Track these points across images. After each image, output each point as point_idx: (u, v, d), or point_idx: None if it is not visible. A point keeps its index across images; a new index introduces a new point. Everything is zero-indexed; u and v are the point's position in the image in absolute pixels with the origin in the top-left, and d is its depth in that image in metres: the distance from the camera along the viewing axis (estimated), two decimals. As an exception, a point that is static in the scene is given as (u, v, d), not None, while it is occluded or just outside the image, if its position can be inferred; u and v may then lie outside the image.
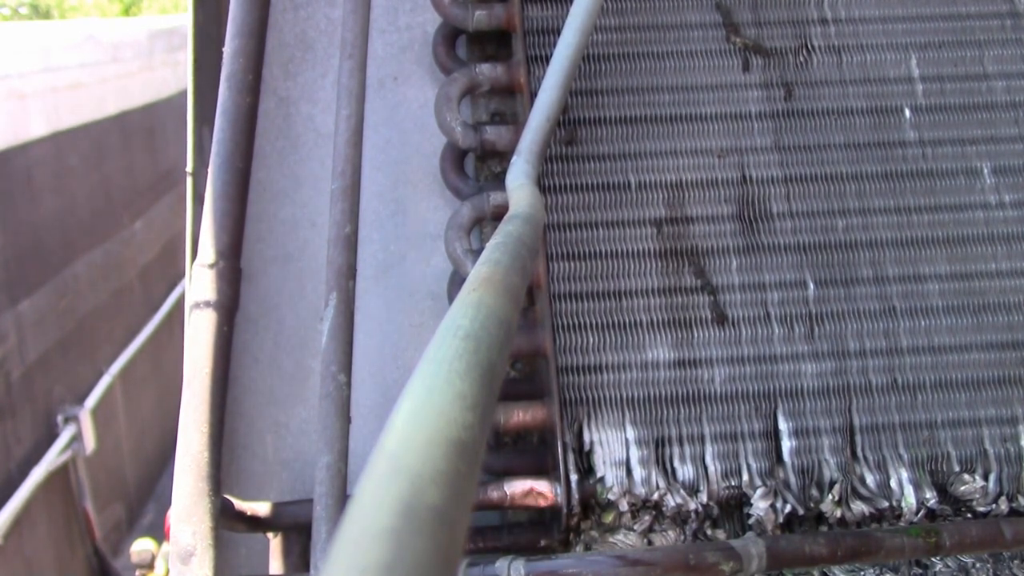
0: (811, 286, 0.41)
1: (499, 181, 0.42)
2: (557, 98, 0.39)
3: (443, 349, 0.20)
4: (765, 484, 0.38)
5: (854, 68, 0.44)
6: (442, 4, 0.45)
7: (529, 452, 0.41)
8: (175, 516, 0.41)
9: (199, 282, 0.46)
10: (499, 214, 0.37)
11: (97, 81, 3.58)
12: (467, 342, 0.21)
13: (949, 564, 0.40)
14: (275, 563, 0.46)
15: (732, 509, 0.39)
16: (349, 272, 0.43)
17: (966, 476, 0.39)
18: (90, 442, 3.15)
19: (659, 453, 0.38)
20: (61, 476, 3.06)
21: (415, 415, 0.18)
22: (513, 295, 0.25)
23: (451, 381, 0.19)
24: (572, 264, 0.41)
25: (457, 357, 0.20)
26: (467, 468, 0.17)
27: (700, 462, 0.38)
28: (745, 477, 0.38)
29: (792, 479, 0.38)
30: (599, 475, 0.38)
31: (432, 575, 0.14)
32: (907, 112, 0.44)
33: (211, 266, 0.45)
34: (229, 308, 0.45)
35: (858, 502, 0.39)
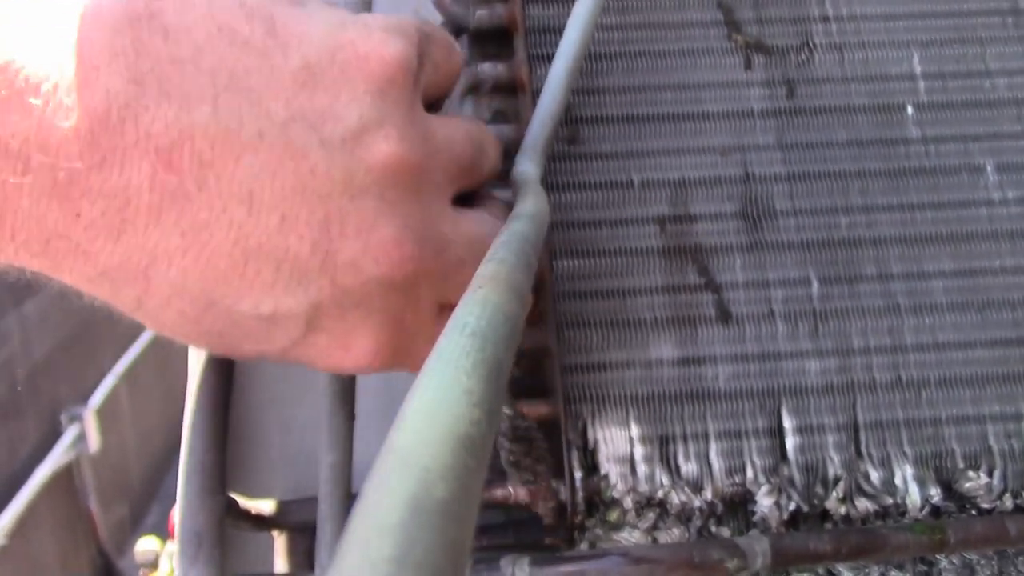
0: (815, 283, 0.41)
1: (502, 179, 0.42)
2: (561, 97, 0.39)
3: (450, 346, 0.21)
4: (769, 481, 0.38)
5: (856, 65, 0.44)
6: (443, 3, 0.45)
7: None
8: (179, 515, 0.41)
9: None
10: (503, 214, 0.37)
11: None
12: (473, 339, 0.21)
13: (954, 561, 0.40)
14: (280, 561, 0.46)
15: (736, 506, 0.39)
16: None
17: (971, 473, 0.39)
18: (94, 441, 3.16)
19: (663, 450, 0.38)
20: (65, 475, 3.06)
21: (423, 411, 0.18)
22: (519, 292, 0.25)
23: (458, 378, 0.19)
24: (575, 262, 0.41)
25: (464, 354, 0.20)
26: (475, 463, 0.17)
27: (704, 459, 0.38)
28: (749, 474, 0.38)
29: (796, 476, 0.38)
30: (603, 472, 0.38)
31: (441, 569, 0.14)
32: (910, 109, 0.44)
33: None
34: (233, 307, 0.45)
35: (863, 499, 0.39)
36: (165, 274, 0.27)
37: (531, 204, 0.33)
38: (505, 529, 0.43)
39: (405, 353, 0.33)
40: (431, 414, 0.18)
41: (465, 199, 0.36)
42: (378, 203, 0.29)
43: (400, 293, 0.31)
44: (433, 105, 0.35)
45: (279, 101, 0.27)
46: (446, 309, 0.34)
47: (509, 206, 0.35)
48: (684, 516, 0.39)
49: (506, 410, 0.38)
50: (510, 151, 0.41)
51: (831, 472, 0.39)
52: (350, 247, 0.29)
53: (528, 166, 0.37)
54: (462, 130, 0.34)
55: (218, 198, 0.26)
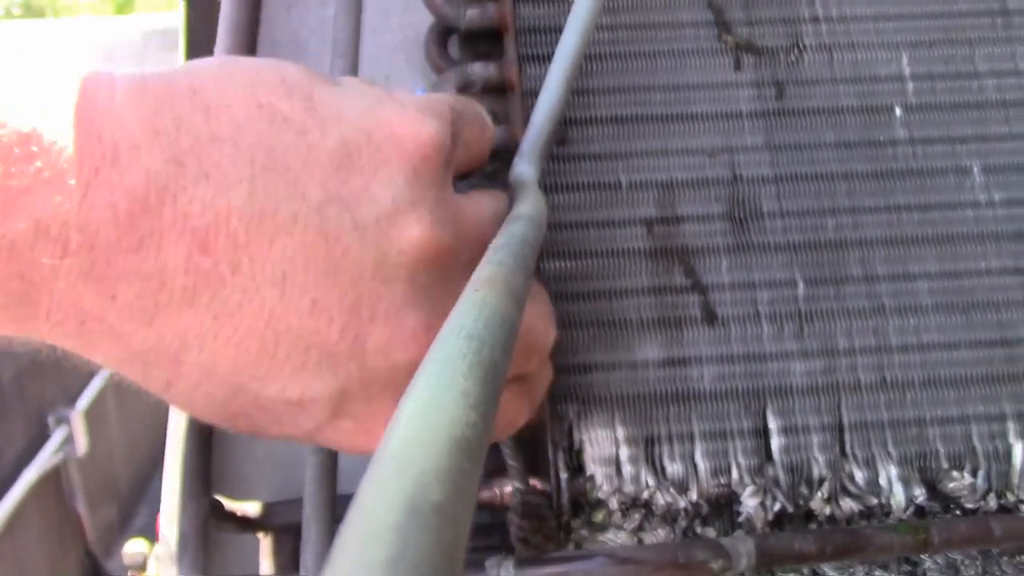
0: (801, 285, 0.41)
1: (492, 180, 0.42)
2: (559, 98, 0.39)
3: (446, 348, 0.20)
4: (754, 482, 0.38)
5: (845, 67, 0.44)
6: (434, 3, 0.45)
7: (519, 451, 0.41)
8: (164, 517, 0.41)
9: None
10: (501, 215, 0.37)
11: (90, 81, 3.56)
12: (470, 341, 0.21)
13: (938, 561, 0.40)
14: (265, 563, 0.46)
15: (722, 507, 0.39)
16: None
17: (955, 473, 0.39)
18: (82, 444, 3.14)
19: (649, 451, 0.38)
20: (53, 478, 3.05)
21: (419, 413, 0.18)
22: (516, 294, 0.25)
23: (454, 380, 0.19)
24: (562, 263, 0.41)
25: (460, 356, 0.20)
26: (470, 466, 0.17)
27: (690, 460, 0.38)
28: (735, 475, 0.38)
29: (781, 477, 0.38)
30: (589, 473, 0.38)
31: (436, 572, 0.14)
32: (898, 110, 0.44)
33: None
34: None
35: (847, 499, 0.39)
36: (196, 358, 0.27)
37: (530, 206, 0.33)
38: (491, 530, 0.43)
39: None
40: (427, 416, 0.18)
41: None
42: (408, 287, 0.29)
43: None
44: (463, 176, 0.36)
45: (315, 181, 0.27)
46: None
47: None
48: (669, 517, 0.39)
49: (517, 485, 0.38)
50: (501, 151, 0.41)
51: (816, 472, 0.39)
52: (379, 332, 0.29)
53: (526, 168, 0.37)
54: (491, 209, 0.34)
55: (251, 281, 0.26)
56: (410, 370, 0.29)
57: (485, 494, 0.39)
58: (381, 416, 0.30)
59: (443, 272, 0.30)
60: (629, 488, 0.38)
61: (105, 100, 0.25)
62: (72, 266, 0.24)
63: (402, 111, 0.30)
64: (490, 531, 0.43)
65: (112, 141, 0.25)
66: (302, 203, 0.27)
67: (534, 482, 0.38)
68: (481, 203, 0.34)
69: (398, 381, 0.30)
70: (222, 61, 0.29)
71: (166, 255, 0.25)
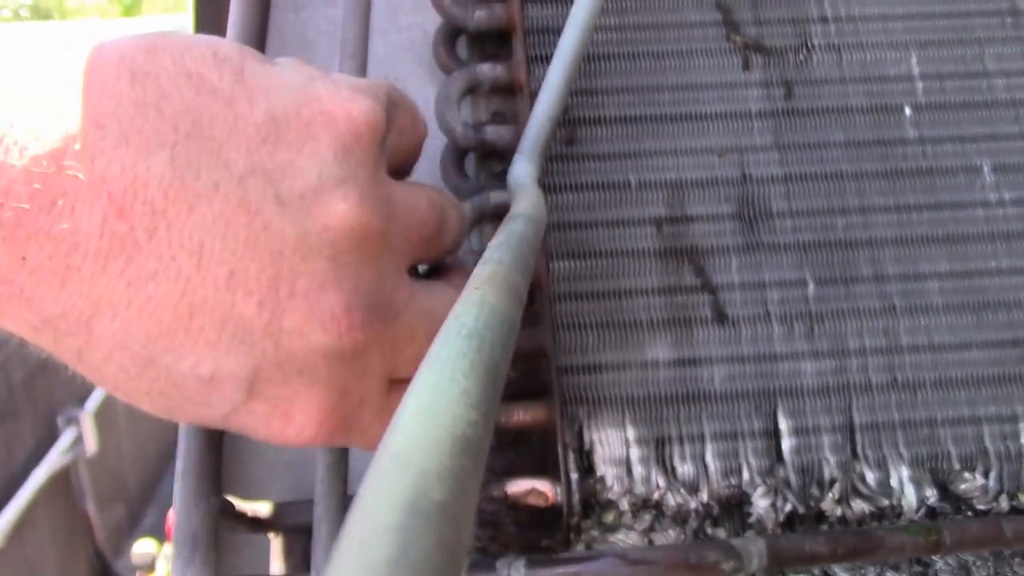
0: (811, 285, 0.41)
1: (500, 181, 0.42)
2: (559, 97, 0.39)
3: (447, 347, 0.20)
4: (765, 483, 0.38)
5: (854, 66, 0.44)
6: (442, 4, 0.45)
7: (529, 451, 0.41)
8: (175, 517, 0.41)
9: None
10: (500, 214, 0.37)
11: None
12: (470, 340, 0.21)
13: (950, 562, 0.40)
14: (276, 563, 0.46)
15: (732, 508, 0.39)
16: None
17: (966, 474, 0.39)
18: (91, 444, 3.15)
19: (659, 452, 0.38)
20: (62, 478, 3.06)
21: (420, 413, 0.18)
22: (516, 293, 0.25)
23: (455, 379, 0.19)
24: (572, 263, 0.41)
25: (461, 355, 0.20)
26: (472, 465, 0.17)
27: (700, 461, 0.38)
28: (745, 476, 0.38)
29: (792, 478, 0.38)
30: (599, 474, 0.38)
31: (438, 571, 0.14)
32: (907, 110, 0.44)
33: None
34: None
35: (858, 500, 0.38)
36: (108, 326, 0.26)
37: (529, 205, 0.33)
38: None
39: (351, 427, 0.31)
40: (428, 415, 0.18)
41: (432, 270, 0.35)
42: (330, 265, 0.28)
43: (347, 363, 0.29)
44: (397, 173, 0.34)
45: (239, 152, 0.26)
46: (397, 383, 0.32)
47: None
48: (680, 518, 0.39)
49: None
50: (508, 151, 0.41)
51: (827, 473, 0.39)
52: (297, 310, 0.28)
53: (526, 167, 0.37)
54: (425, 198, 0.33)
55: (167, 248, 0.25)
56: (327, 352, 0.28)
57: (495, 494, 0.39)
58: (297, 401, 0.29)
59: (369, 254, 0.29)
60: (640, 489, 0.38)
61: (27, 62, 0.25)
62: None
63: (335, 89, 0.29)
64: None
65: (32, 99, 0.24)
66: (224, 172, 0.26)
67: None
68: (416, 192, 0.33)
69: (315, 364, 0.29)
70: (155, 34, 0.28)
71: (80, 217, 0.24)
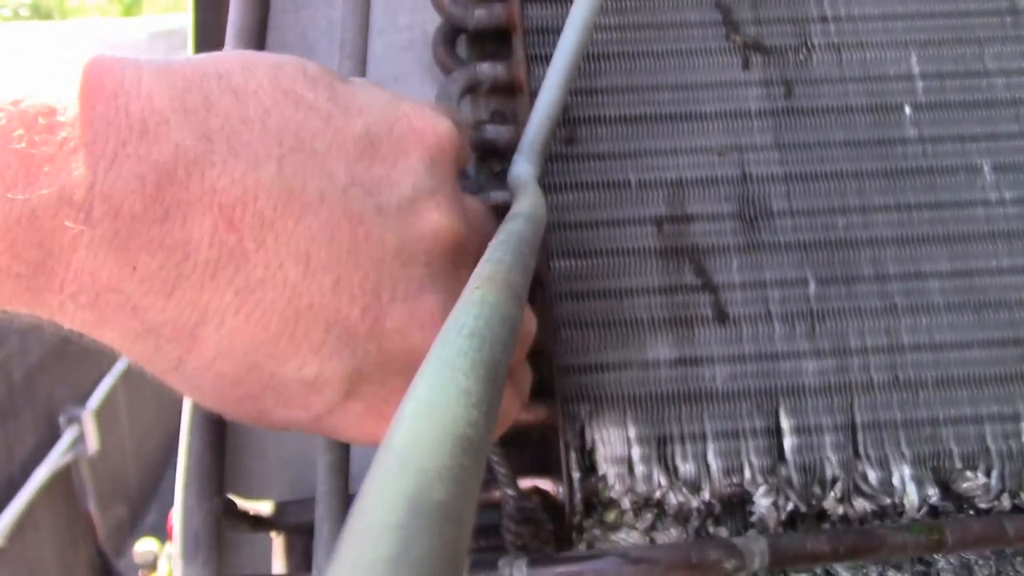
0: (812, 284, 0.41)
1: (499, 180, 0.42)
2: (558, 97, 0.39)
3: (447, 347, 0.20)
4: (767, 482, 0.38)
5: (854, 66, 0.44)
6: (442, 3, 0.45)
7: (531, 451, 0.41)
8: (177, 516, 0.41)
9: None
10: (500, 212, 0.37)
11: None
12: (471, 340, 0.21)
13: (952, 561, 0.40)
14: (278, 562, 0.46)
15: (734, 507, 0.39)
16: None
17: (968, 473, 0.39)
18: (93, 443, 3.16)
19: (661, 451, 0.38)
20: (64, 477, 3.06)
21: (420, 412, 0.18)
22: (516, 293, 0.25)
23: (455, 378, 0.19)
24: (573, 263, 0.41)
25: (461, 355, 0.20)
26: (472, 464, 0.17)
27: (702, 460, 0.38)
28: (747, 475, 0.38)
29: (794, 476, 0.38)
30: (601, 473, 0.38)
31: (439, 570, 0.14)
32: (907, 109, 0.44)
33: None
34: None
35: (860, 499, 0.39)
36: (214, 333, 0.26)
37: (528, 204, 0.33)
38: (500, 531, 0.43)
39: None
40: (429, 415, 0.18)
41: None
42: (426, 271, 0.30)
43: None
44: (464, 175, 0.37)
45: (340, 165, 0.28)
46: None
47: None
48: (682, 516, 0.39)
49: (510, 492, 0.38)
50: (508, 151, 0.41)
51: (829, 472, 0.39)
52: (398, 313, 0.29)
53: (525, 166, 0.37)
54: (484, 209, 0.36)
55: (275, 257, 0.26)
56: (425, 353, 0.30)
57: (497, 494, 0.39)
58: (392, 399, 0.30)
59: (456, 259, 0.31)
60: (641, 488, 0.38)
61: (132, 78, 0.25)
62: (94, 234, 0.24)
63: (419, 108, 0.31)
64: (501, 531, 0.43)
65: (140, 116, 0.25)
66: (328, 183, 0.27)
67: (526, 485, 0.38)
68: (479, 203, 0.36)
69: (413, 363, 0.29)
70: (244, 52, 0.29)
71: (191, 228, 0.25)
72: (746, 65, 0.44)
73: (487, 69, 0.44)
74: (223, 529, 0.40)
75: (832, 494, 0.39)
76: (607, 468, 0.38)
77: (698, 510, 0.39)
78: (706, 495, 0.38)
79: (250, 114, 0.26)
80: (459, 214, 0.31)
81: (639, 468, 0.38)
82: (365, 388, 0.30)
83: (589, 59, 0.43)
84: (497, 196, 0.40)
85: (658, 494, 0.38)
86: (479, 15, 0.44)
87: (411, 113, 0.31)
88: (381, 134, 0.29)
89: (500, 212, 0.38)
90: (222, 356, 0.27)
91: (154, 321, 0.26)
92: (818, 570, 0.40)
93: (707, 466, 0.38)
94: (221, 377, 0.28)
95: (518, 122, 0.43)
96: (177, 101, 0.26)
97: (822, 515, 0.39)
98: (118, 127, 0.24)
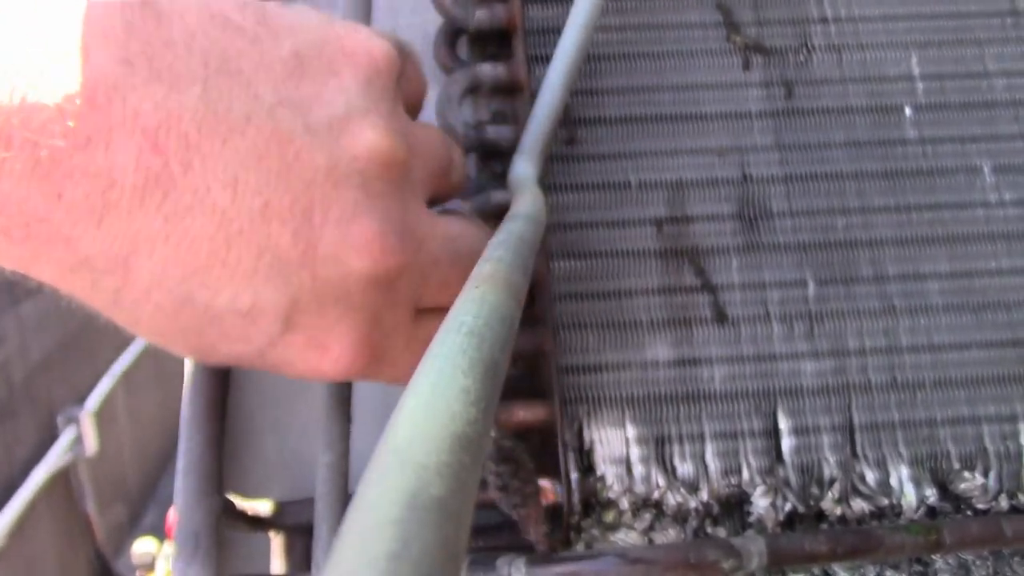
0: (811, 285, 0.41)
1: (501, 180, 0.42)
2: (559, 97, 0.39)
3: (446, 345, 0.21)
4: (765, 482, 0.38)
5: (854, 67, 0.44)
6: (443, 4, 0.45)
7: (529, 451, 0.41)
8: (176, 516, 0.41)
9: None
10: (500, 213, 0.37)
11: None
12: (470, 338, 0.21)
13: (949, 561, 0.40)
14: (277, 562, 0.46)
15: (732, 507, 0.39)
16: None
17: (966, 473, 0.39)
18: (91, 443, 3.15)
19: (659, 451, 0.38)
20: (62, 478, 3.06)
21: (420, 409, 0.18)
22: (516, 292, 0.25)
23: (455, 376, 0.19)
24: (572, 263, 0.41)
25: (460, 353, 0.20)
26: (471, 461, 0.17)
27: (700, 460, 0.38)
28: (745, 475, 0.38)
29: (792, 477, 0.38)
30: (599, 473, 0.38)
31: (437, 566, 0.14)
32: (907, 110, 0.44)
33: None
34: (230, 308, 0.45)
35: (858, 500, 0.39)
36: (146, 262, 0.26)
37: (528, 204, 0.33)
38: (501, 530, 0.43)
39: (382, 358, 0.32)
40: (428, 411, 0.18)
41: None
42: (361, 193, 0.29)
43: (380, 289, 0.30)
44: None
45: (268, 86, 0.27)
46: (423, 313, 0.33)
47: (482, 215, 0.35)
48: (680, 517, 0.39)
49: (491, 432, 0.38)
50: (509, 151, 0.41)
51: (827, 473, 0.39)
52: (331, 237, 0.28)
53: (526, 167, 0.37)
54: (437, 135, 0.34)
55: (202, 181, 0.26)
56: (362, 278, 0.29)
57: (495, 494, 0.39)
58: (334, 330, 0.29)
59: (396, 183, 0.30)
60: (640, 488, 0.38)
61: (49, 5, 0.25)
62: (16, 163, 0.23)
63: (353, 29, 0.30)
64: (500, 530, 0.43)
65: (59, 42, 0.24)
66: (255, 104, 0.26)
67: (513, 413, 0.38)
68: (429, 128, 0.34)
69: (351, 291, 0.29)
70: None
71: (115, 153, 0.24)
72: (746, 66, 0.44)
73: (488, 70, 0.44)
74: (222, 529, 0.40)
75: (830, 495, 0.39)
76: (605, 468, 0.38)
77: (696, 510, 0.39)
78: (704, 495, 0.38)
79: (174, 37, 0.26)
80: (397, 135, 0.30)
81: (637, 468, 0.38)
82: (303, 319, 0.29)
83: (589, 59, 0.43)
84: (498, 196, 0.40)
85: (656, 494, 0.38)
86: (480, 16, 0.45)
87: (344, 34, 0.30)
88: (311, 55, 0.29)
89: (500, 212, 0.38)
90: (157, 286, 0.27)
91: (86, 252, 0.26)
92: (816, 570, 0.40)
93: (705, 466, 0.39)
94: (159, 309, 0.27)
95: (519, 123, 0.43)
96: (96, 26, 0.25)
97: (820, 516, 0.39)
98: (34, 54, 0.24)
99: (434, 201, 0.36)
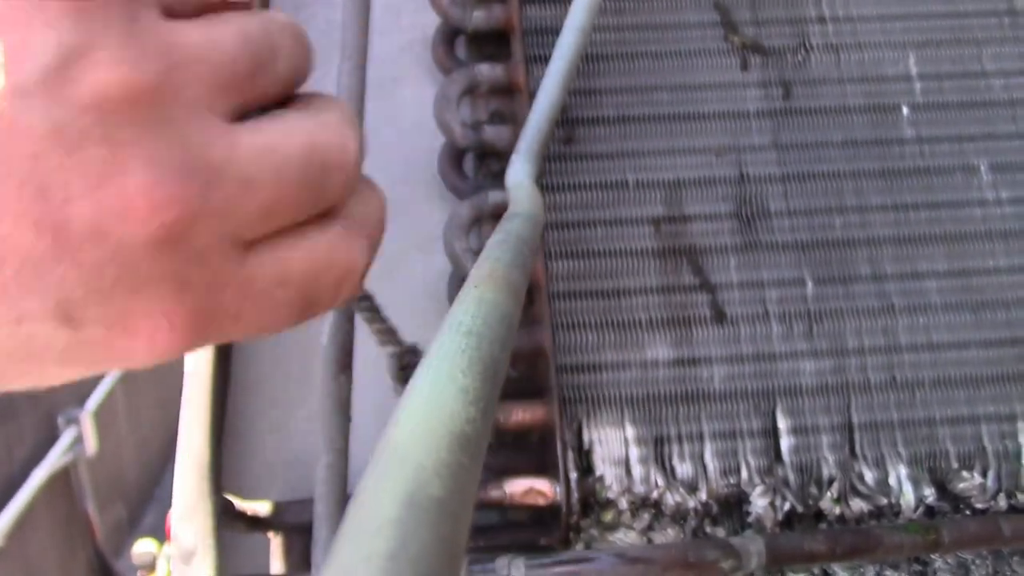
0: (809, 284, 0.41)
1: (498, 180, 0.42)
2: (556, 97, 0.39)
3: (446, 345, 0.21)
4: (764, 482, 0.38)
5: (852, 66, 0.44)
6: (441, 4, 0.45)
7: (528, 451, 0.41)
8: (176, 516, 0.41)
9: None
10: (498, 213, 0.37)
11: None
12: (469, 338, 0.21)
13: (948, 561, 0.40)
14: (276, 563, 0.46)
15: (731, 507, 0.39)
16: (349, 272, 0.43)
17: (965, 473, 0.39)
18: (91, 444, 3.15)
19: (658, 451, 0.38)
20: (62, 478, 3.06)
21: (419, 409, 0.18)
22: (514, 291, 0.25)
23: (454, 376, 0.19)
24: (570, 263, 0.41)
25: (460, 352, 0.20)
26: (470, 461, 0.17)
27: (699, 460, 0.38)
28: (744, 475, 0.38)
29: (791, 477, 0.38)
30: (598, 473, 0.38)
31: (435, 565, 0.14)
32: (905, 110, 0.44)
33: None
34: (229, 308, 0.45)
35: (857, 499, 0.39)
36: None
37: (527, 204, 0.33)
38: (501, 530, 0.43)
39: (213, 316, 0.25)
40: (427, 411, 0.18)
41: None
42: (107, 149, 0.23)
43: (170, 249, 0.24)
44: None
45: None
46: (253, 248, 0.26)
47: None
48: (679, 517, 0.39)
49: (390, 349, 0.34)
50: (506, 151, 0.41)
51: (826, 472, 0.39)
52: (82, 212, 0.22)
53: (524, 166, 0.37)
54: (231, 30, 0.27)
55: None
56: (138, 244, 0.23)
57: (494, 493, 0.39)
58: (132, 312, 0.24)
59: (155, 117, 0.24)
60: (639, 488, 0.38)
61: None
62: None
63: None
64: (500, 530, 0.43)
65: None
66: None
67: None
68: (216, 27, 0.25)
69: (131, 265, 0.24)
70: None
71: None
72: (744, 66, 0.44)
73: (486, 70, 0.44)
74: (221, 529, 0.40)
75: (829, 494, 0.39)
76: (605, 468, 0.38)
77: (695, 510, 0.39)
78: (703, 495, 0.38)
79: None
80: (139, 60, 0.23)
81: (636, 468, 0.38)
82: (88, 312, 0.24)
83: (587, 60, 0.43)
84: (495, 196, 0.40)
85: (655, 494, 0.38)
86: (478, 16, 0.45)
87: None
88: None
89: (498, 212, 0.38)
90: None
91: None
92: (815, 570, 0.40)
93: (704, 466, 0.39)
94: None
95: (517, 123, 0.43)
96: None
97: (819, 515, 0.39)
98: None
99: (251, 107, 0.28)
